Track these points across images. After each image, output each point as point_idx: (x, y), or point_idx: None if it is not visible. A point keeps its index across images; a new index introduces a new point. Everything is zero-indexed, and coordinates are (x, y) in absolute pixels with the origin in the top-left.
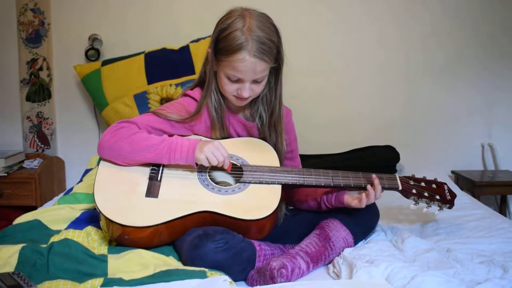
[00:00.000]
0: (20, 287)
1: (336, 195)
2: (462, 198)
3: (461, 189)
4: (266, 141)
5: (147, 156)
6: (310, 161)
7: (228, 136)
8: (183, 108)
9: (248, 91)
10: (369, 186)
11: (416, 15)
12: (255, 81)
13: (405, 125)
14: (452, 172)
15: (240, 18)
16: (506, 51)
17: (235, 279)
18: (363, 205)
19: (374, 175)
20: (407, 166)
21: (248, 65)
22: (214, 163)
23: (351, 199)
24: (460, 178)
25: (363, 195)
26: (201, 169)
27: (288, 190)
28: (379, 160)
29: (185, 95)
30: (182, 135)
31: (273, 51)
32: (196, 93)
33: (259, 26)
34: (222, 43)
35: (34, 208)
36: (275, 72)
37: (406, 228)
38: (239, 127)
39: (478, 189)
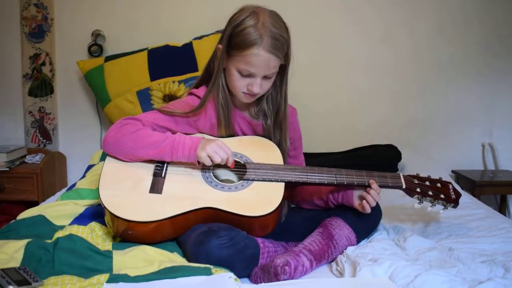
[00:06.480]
0: (27, 282)
1: (343, 194)
2: (463, 197)
3: (462, 188)
4: (270, 139)
5: (149, 153)
6: (313, 160)
7: (233, 134)
8: (188, 106)
9: (259, 86)
10: (365, 193)
11: (420, 14)
12: (265, 77)
13: (406, 124)
14: (453, 171)
15: (253, 14)
16: (508, 51)
17: (239, 275)
18: (367, 211)
19: (371, 180)
20: (408, 165)
21: (263, 59)
22: (217, 161)
23: (357, 203)
24: (460, 178)
25: (364, 202)
26: (204, 167)
27: (291, 189)
28: (380, 159)
29: (190, 93)
30: (187, 133)
31: (284, 48)
32: (201, 91)
33: (272, 23)
34: (237, 38)
35: (35, 203)
36: (281, 70)
37: (408, 227)
38: (245, 126)
39: (478, 189)
